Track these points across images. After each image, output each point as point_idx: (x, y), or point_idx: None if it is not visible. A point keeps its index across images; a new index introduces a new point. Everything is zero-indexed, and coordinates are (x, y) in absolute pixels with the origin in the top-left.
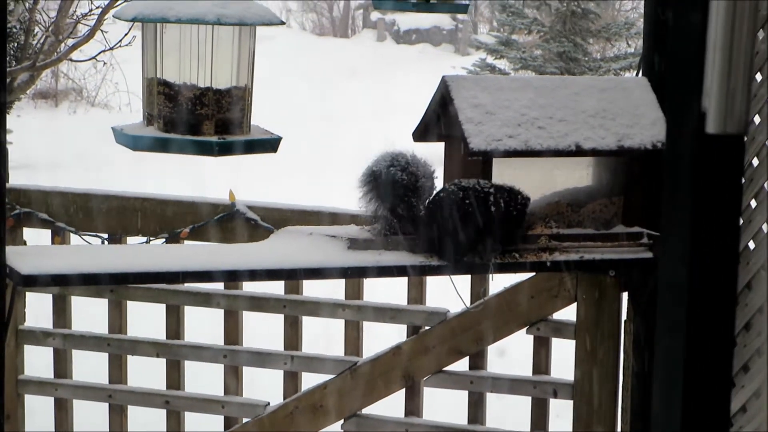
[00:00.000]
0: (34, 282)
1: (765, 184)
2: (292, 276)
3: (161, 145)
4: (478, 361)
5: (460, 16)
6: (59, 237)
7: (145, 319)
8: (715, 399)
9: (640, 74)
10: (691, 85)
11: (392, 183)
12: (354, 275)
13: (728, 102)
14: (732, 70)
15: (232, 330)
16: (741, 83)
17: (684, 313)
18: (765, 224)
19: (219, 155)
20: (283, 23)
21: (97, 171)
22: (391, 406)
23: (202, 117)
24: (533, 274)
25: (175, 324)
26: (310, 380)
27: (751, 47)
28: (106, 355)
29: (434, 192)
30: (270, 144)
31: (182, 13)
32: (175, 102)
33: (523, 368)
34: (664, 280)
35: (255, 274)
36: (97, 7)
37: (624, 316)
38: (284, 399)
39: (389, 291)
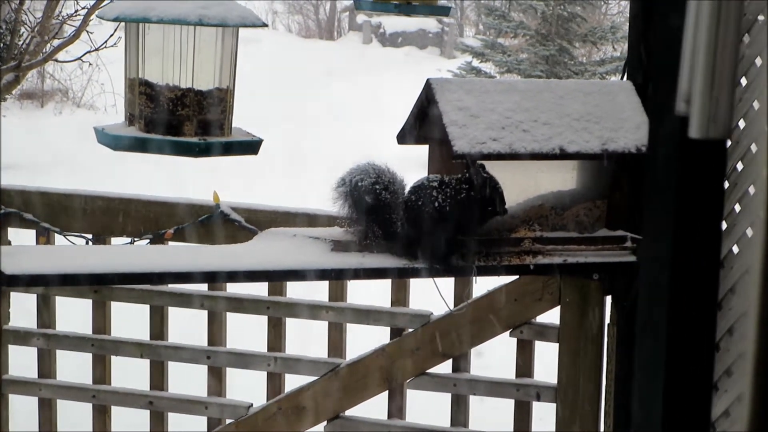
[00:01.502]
0: (17, 282)
1: (749, 189)
2: (276, 277)
3: (142, 145)
4: (461, 363)
5: (446, 20)
6: (44, 237)
7: (129, 319)
8: (695, 402)
9: (625, 78)
10: (674, 89)
11: (377, 204)
12: (337, 277)
13: (712, 108)
14: (716, 76)
15: (216, 331)
16: (725, 89)
17: (665, 316)
18: (749, 228)
19: (199, 156)
20: (265, 25)
21: (82, 172)
22: (374, 407)
23: (183, 118)
24: (517, 277)
25: (158, 325)
26: (293, 382)
27: (736, 53)
28: (90, 355)
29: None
30: (251, 146)
31: (164, 13)
32: (157, 102)
33: (506, 371)
34: (645, 282)
35: (238, 276)
36: (83, 8)
37: (607, 320)
38: (267, 400)
39: (372, 293)
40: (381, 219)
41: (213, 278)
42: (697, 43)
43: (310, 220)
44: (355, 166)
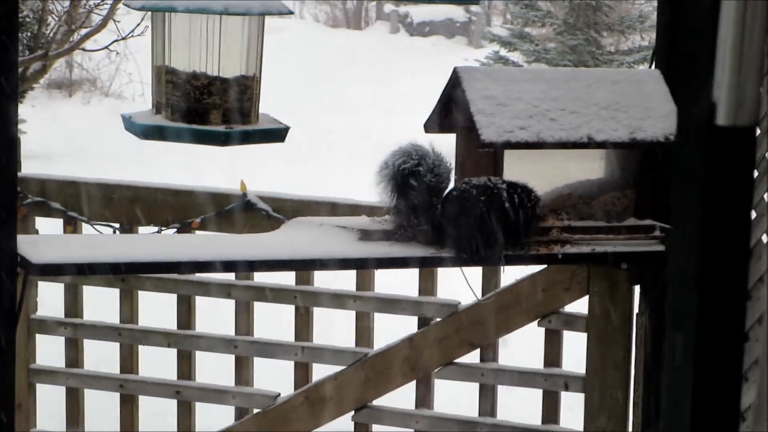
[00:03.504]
0: (45, 271)
1: None
2: (303, 267)
3: (169, 134)
4: (489, 353)
5: (473, 9)
6: (71, 226)
7: (156, 309)
8: (725, 393)
9: (653, 66)
10: (702, 76)
11: (420, 185)
12: (364, 266)
13: (739, 94)
14: (743, 61)
15: (242, 320)
16: (752, 74)
17: (695, 306)
18: None
19: (226, 144)
20: (291, 13)
21: (109, 160)
22: (401, 397)
23: (210, 106)
24: (545, 266)
25: (186, 314)
26: (320, 371)
27: (763, 38)
28: (117, 344)
29: (448, 189)
30: (277, 133)
31: (190, 2)
32: (183, 91)
33: (535, 361)
34: (673, 272)
35: (265, 265)
36: None
37: (636, 310)
38: (295, 390)
39: (400, 282)
40: (422, 201)
41: (240, 267)
42: (726, 28)
43: (336, 208)
44: (398, 148)
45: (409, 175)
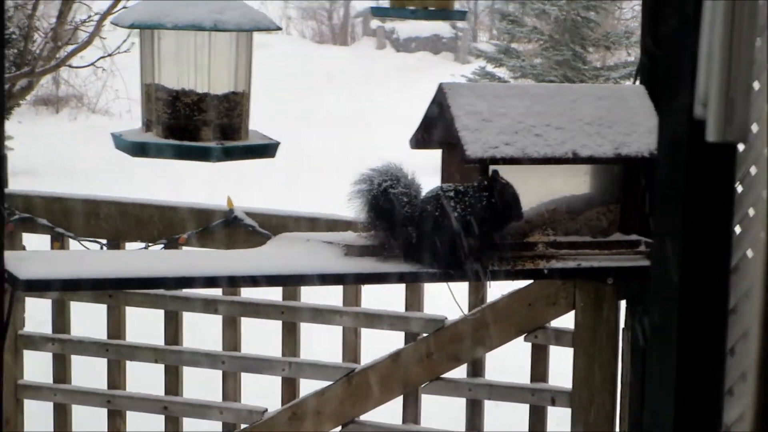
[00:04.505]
0: (33, 287)
1: (762, 193)
2: (290, 282)
3: (160, 151)
4: (476, 368)
5: (459, 24)
6: (58, 242)
7: (144, 324)
8: (706, 407)
9: (637, 82)
10: (684, 93)
11: (398, 204)
12: (351, 282)
13: (728, 110)
14: (732, 78)
15: (231, 336)
16: (741, 91)
17: (675, 320)
18: (763, 233)
19: (217, 161)
20: (279, 29)
21: (97, 177)
22: (389, 413)
23: (201, 123)
24: (531, 281)
25: (173, 330)
26: (308, 387)
27: (752, 55)
28: (105, 360)
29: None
30: (268, 149)
31: (179, 19)
32: (174, 108)
33: (521, 376)
34: (655, 286)
35: (253, 280)
36: (96, 14)
37: (622, 324)
38: (282, 405)
39: (386, 298)
40: (400, 231)
41: (232, 282)
42: (713, 45)
43: (324, 224)
44: (385, 167)
45: (388, 195)
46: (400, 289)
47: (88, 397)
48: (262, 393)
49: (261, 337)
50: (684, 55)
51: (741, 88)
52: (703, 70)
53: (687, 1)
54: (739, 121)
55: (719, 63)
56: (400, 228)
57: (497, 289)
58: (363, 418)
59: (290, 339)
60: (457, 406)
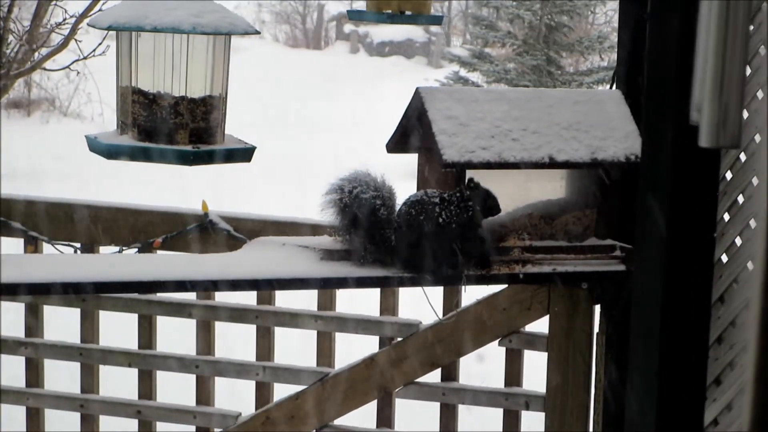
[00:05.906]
0: (5, 291)
1: (738, 198)
2: (265, 286)
3: (135, 154)
4: (450, 372)
5: (433, 29)
6: (32, 246)
7: (117, 328)
8: (689, 408)
9: (614, 87)
10: (670, 97)
11: (375, 220)
12: (327, 286)
13: (721, 116)
14: (725, 84)
15: (204, 340)
16: (734, 97)
17: (658, 322)
18: (738, 238)
19: (193, 164)
20: (258, 32)
21: (69, 181)
22: (363, 417)
23: (177, 126)
24: (506, 286)
25: (147, 334)
26: (282, 391)
27: (744, 61)
28: (78, 364)
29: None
30: (245, 153)
31: (158, 21)
32: (150, 111)
33: (496, 380)
34: (638, 289)
35: (228, 284)
36: (71, 16)
37: (596, 329)
38: (256, 409)
39: (361, 302)
40: (376, 235)
41: (201, 287)
42: (707, 52)
43: (299, 228)
44: (353, 174)
45: (360, 200)
46: (374, 293)
47: (61, 401)
48: (236, 397)
49: (235, 341)
50: (671, 60)
51: (734, 93)
52: (698, 76)
53: (674, 7)
54: (731, 126)
55: (712, 68)
56: (378, 232)
57: (472, 294)
58: (337, 422)
59: (264, 343)
60: (431, 410)
